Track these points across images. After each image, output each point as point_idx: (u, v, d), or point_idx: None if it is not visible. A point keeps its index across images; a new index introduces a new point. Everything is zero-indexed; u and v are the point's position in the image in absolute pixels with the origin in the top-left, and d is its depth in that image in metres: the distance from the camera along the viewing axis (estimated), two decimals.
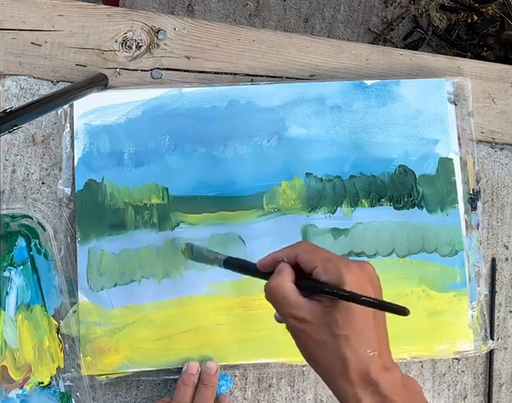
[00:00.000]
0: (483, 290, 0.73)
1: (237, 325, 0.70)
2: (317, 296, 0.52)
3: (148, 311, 0.70)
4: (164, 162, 0.71)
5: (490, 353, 0.73)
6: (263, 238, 0.71)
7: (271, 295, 0.54)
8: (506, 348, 0.74)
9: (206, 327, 0.69)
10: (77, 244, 0.70)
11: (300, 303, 0.52)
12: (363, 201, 0.72)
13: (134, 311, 0.70)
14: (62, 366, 0.68)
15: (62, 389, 0.68)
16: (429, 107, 0.73)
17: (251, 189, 0.71)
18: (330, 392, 0.72)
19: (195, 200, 0.71)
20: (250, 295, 0.70)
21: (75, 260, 0.70)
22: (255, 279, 0.69)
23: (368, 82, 0.73)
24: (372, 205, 0.72)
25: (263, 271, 0.56)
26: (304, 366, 0.71)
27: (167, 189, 0.71)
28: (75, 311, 0.69)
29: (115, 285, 0.70)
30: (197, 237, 0.71)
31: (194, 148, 0.72)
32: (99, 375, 0.69)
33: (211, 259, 0.64)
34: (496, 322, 0.74)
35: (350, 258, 0.71)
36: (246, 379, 0.72)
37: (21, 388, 0.67)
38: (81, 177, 0.71)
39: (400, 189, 0.72)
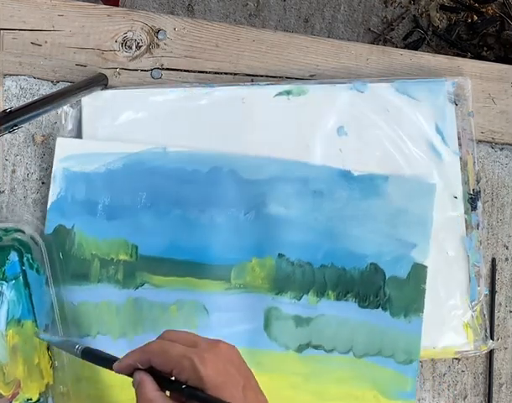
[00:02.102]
0: (483, 290, 0.73)
1: None
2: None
3: (99, 369, 0.64)
4: (138, 219, 0.69)
5: (490, 353, 0.73)
6: (227, 312, 0.69)
7: None
8: (506, 348, 0.74)
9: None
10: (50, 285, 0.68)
11: None
12: (329, 292, 0.70)
13: (87, 366, 0.65)
14: (51, 382, 0.67)
15: None
16: (413, 209, 0.71)
17: (221, 259, 0.69)
18: None
19: (164, 262, 0.69)
20: None
21: None
22: None
23: (355, 173, 0.71)
24: (338, 298, 0.70)
25: (122, 374, 0.55)
26: None
27: (136, 247, 0.69)
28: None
29: (70, 336, 0.67)
30: (161, 300, 0.68)
31: (169, 209, 0.69)
32: None
33: (69, 348, 0.62)
34: (496, 322, 0.74)
35: (307, 349, 0.69)
36: None
37: None
38: (52, 221, 0.69)
39: (368, 287, 0.70)
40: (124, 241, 0.69)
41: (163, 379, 0.54)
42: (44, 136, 0.72)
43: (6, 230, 0.68)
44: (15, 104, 0.72)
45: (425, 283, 0.71)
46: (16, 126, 0.61)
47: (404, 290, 0.71)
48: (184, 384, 0.52)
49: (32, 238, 0.68)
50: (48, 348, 0.68)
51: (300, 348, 0.69)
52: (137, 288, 0.69)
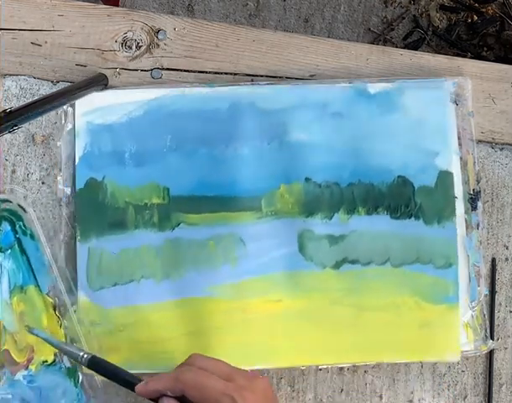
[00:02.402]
0: (483, 290, 0.73)
1: (236, 329, 0.69)
2: None
3: (147, 311, 0.69)
4: (165, 162, 0.71)
5: (490, 353, 0.73)
6: (261, 240, 0.70)
7: None
8: (506, 348, 0.74)
9: (205, 330, 0.69)
10: (77, 243, 0.70)
11: None
12: (359, 208, 0.71)
13: (133, 311, 0.69)
14: (64, 341, 0.68)
15: (68, 365, 0.68)
16: (431, 119, 0.72)
17: (250, 191, 0.71)
18: (330, 392, 0.72)
19: (196, 200, 0.71)
20: (249, 298, 0.70)
21: (75, 260, 0.70)
22: (254, 282, 0.69)
23: (372, 91, 0.72)
24: (368, 213, 0.71)
25: (142, 396, 0.55)
26: (304, 366, 0.71)
27: (168, 189, 0.71)
28: (75, 311, 0.69)
29: (114, 285, 0.70)
30: (198, 237, 0.70)
31: (195, 148, 0.71)
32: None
33: (70, 354, 0.63)
34: (496, 322, 0.74)
35: (344, 265, 0.70)
36: None
37: (26, 369, 0.68)
38: (82, 176, 0.71)
39: (398, 199, 0.71)
40: (155, 184, 0.71)
41: None
42: (44, 136, 0.72)
43: None
44: (15, 104, 0.72)
45: (453, 189, 0.72)
46: (16, 126, 0.61)
47: (434, 198, 0.71)
48: None
49: (20, 205, 0.69)
50: (54, 309, 0.68)
51: (337, 265, 0.71)
52: (173, 229, 0.70)
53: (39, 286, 0.69)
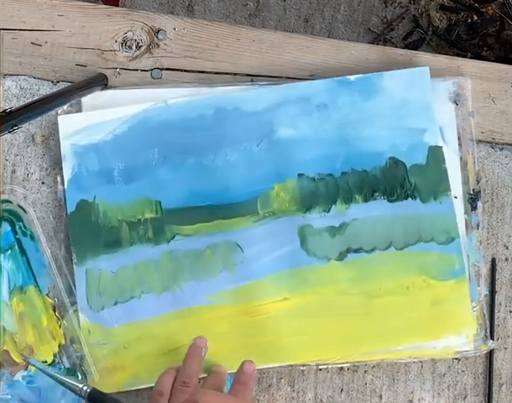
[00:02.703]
0: (483, 290, 0.73)
1: (240, 332, 0.70)
2: None
3: (150, 325, 0.69)
4: (155, 175, 0.71)
5: (490, 353, 0.73)
6: (261, 243, 0.70)
7: None
8: (506, 348, 0.74)
9: (209, 336, 0.68)
10: (74, 266, 0.69)
11: None
12: (356, 196, 0.72)
13: (137, 327, 0.69)
14: (63, 342, 0.69)
15: (67, 365, 0.68)
16: (414, 97, 0.72)
17: (244, 195, 0.71)
18: (330, 392, 0.72)
19: (189, 211, 0.71)
20: (252, 301, 0.70)
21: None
22: (255, 285, 0.69)
23: (352, 77, 0.73)
24: (366, 200, 0.72)
25: None
26: (304, 366, 0.71)
27: (160, 202, 0.71)
28: (75, 311, 0.69)
29: (115, 304, 0.69)
30: (194, 247, 0.70)
31: (183, 158, 0.71)
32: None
33: (73, 387, 0.63)
34: (496, 322, 0.74)
35: (348, 255, 0.71)
36: None
37: (25, 369, 0.68)
38: (73, 199, 0.70)
39: (392, 181, 0.72)
40: (147, 199, 0.71)
41: None
42: (44, 136, 0.72)
43: None
44: (15, 104, 0.72)
45: (444, 163, 0.72)
46: (16, 126, 0.61)
47: (427, 175, 0.72)
48: None
49: (20, 206, 0.69)
50: (54, 309, 0.68)
51: (341, 256, 0.71)
52: (169, 242, 0.70)
53: (38, 287, 0.69)
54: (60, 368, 0.68)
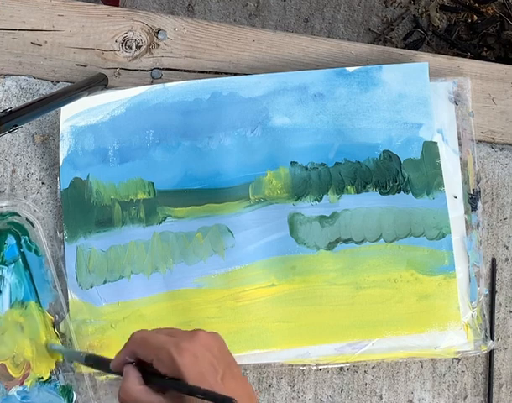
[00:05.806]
0: (483, 290, 0.73)
1: (228, 317, 0.70)
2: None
3: (138, 306, 0.70)
4: (149, 157, 0.71)
5: (490, 353, 0.73)
6: (251, 228, 0.71)
7: (125, 402, 0.54)
8: (506, 348, 0.74)
9: (197, 320, 0.69)
10: (65, 243, 0.70)
11: (153, 402, 0.52)
12: (348, 187, 0.72)
13: (125, 306, 0.70)
14: (61, 360, 0.68)
15: (62, 383, 0.68)
16: (411, 92, 0.73)
17: (237, 180, 0.71)
18: (330, 392, 0.72)
19: (182, 193, 0.71)
20: (240, 286, 0.70)
21: None
22: (244, 270, 0.69)
23: (350, 69, 0.73)
24: (358, 191, 0.72)
25: (119, 372, 0.56)
26: (304, 366, 0.71)
27: (153, 183, 0.71)
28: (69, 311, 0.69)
29: (104, 282, 0.70)
30: (185, 230, 0.70)
31: (178, 141, 0.72)
32: (99, 375, 0.69)
33: (74, 357, 0.65)
34: (496, 322, 0.74)
35: (338, 245, 0.71)
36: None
37: (21, 384, 0.67)
38: (67, 176, 0.71)
39: (385, 174, 0.72)
40: (140, 180, 0.71)
41: (150, 373, 0.54)
42: (44, 136, 0.72)
43: (1, 214, 0.68)
44: (15, 104, 0.72)
45: (439, 158, 0.72)
46: (16, 126, 0.61)
47: (421, 170, 0.72)
48: (165, 376, 0.52)
49: (28, 220, 0.69)
50: (54, 326, 0.68)
51: (331, 246, 0.71)
52: (160, 223, 0.71)
53: (39, 302, 0.69)
54: (56, 386, 0.68)
